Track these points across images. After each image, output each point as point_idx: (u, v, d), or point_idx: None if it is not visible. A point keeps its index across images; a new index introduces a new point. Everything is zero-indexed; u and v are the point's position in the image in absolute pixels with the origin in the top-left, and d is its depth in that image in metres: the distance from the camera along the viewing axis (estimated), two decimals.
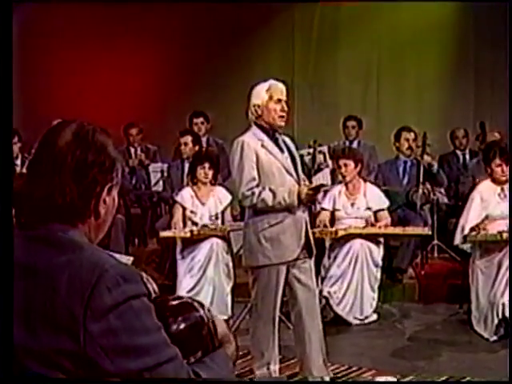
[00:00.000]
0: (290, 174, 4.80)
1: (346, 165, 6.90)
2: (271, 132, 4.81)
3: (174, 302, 1.84)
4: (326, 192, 7.09)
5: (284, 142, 4.89)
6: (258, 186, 4.71)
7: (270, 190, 4.69)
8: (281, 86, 4.85)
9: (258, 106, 4.78)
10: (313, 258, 4.92)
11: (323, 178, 4.79)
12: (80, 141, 1.71)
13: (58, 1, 10.23)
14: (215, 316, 1.88)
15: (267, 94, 4.77)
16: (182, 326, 1.77)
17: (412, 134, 8.02)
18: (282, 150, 4.83)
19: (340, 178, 7.15)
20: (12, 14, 2.00)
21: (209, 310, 1.86)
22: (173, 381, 1.65)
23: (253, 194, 4.70)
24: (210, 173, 6.97)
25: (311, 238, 4.89)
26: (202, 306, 1.85)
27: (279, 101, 4.77)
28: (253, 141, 4.76)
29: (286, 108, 4.79)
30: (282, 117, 4.78)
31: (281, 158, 4.78)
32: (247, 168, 4.71)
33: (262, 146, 4.75)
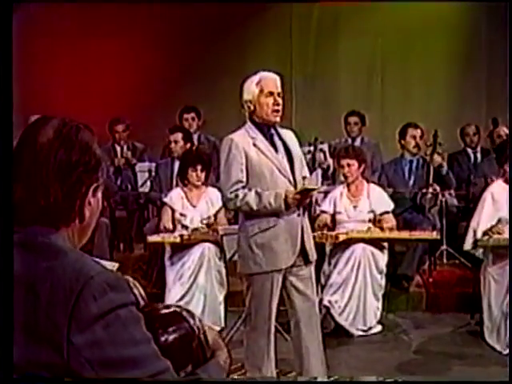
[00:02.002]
0: (284, 175, 4.77)
1: (349, 165, 6.88)
2: (266, 128, 4.80)
3: (163, 312, 1.84)
4: (326, 193, 7.09)
5: (281, 139, 4.87)
6: (243, 188, 4.70)
7: (256, 192, 4.67)
8: (272, 77, 4.83)
9: (250, 102, 4.77)
10: (312, 265, 4.91)
11: (316, 179, 4.77)
12: (63, 139, 1.71)
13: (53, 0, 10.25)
14: (205, 325, 1.89)
15: (257, 87, 4.75)
16: (171, 337, 1.77)
17: (419, 131, 7.99)
18: (276, 149, 4.81)
19: (342, 178, 7.14)
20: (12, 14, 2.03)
21: (200, 320, 1.86)
22: (172, 381, 1.66)
23: (236, 196, 4.68)
24: (203, 175, 6.97)
25: (308, 243, 4.86)
26: (193, 315, 1.85)
27: (271, 94, 4.75)
28: (243, 139, 4.74)
29: (279, 101, 4.76)
30: (276, 111, 4.76)
31: (274, 158, 4.76)
32: (233, 169, 4.71)
33: (254, 144, 4.74)
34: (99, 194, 1.78)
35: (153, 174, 8.35)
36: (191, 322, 1.82)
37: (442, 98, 10.35)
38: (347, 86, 10.67)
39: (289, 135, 4.95)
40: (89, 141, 1.75)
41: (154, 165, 8.46)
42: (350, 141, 8.86)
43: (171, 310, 1.86)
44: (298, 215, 4.79)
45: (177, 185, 7.37)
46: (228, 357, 1.89)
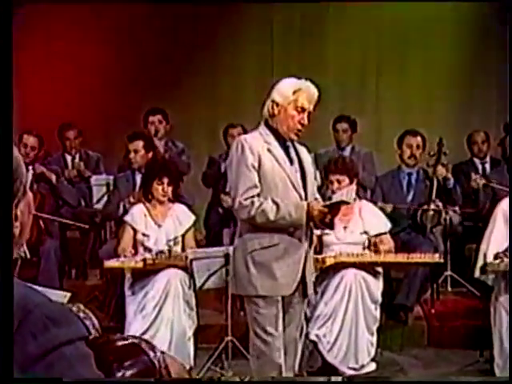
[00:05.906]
0: (297, 190, 4.86)
1: (338, 181, 6.85)
2: (282, 138, 4.90)
3: (119, 344, 1.85)
4: None
5: (296, 153, 4.96)
6: (258, 195, 4.77)
7: (273, 201, 4.74)
8: (314, 92, 4.91)
9: (277, 105, 4.88)
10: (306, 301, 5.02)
11: (346, 194, 4.80)
12: None
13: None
14: (168, 356, 1.90)
15: (294, 96, 4.85)
16: (128, 373, 1.77)
17: (418, 139, 8.00)
18: (291, 161, 4.90)
19: (330, 193, 7.11)
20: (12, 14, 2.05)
21: (162, 352, 1.87)
22: (173, 381, 1.70)
23: (252, 203, 4.76)
24: (170, 189, 6.91)
25: (309, 273, 4.96)
26: (153, 347, 1.86)
27: (302, 110, 4.84)
28: (257, 142, 4.84)
29: (306, 122, 4.87)
30: (299, 130, 4.87)
31: (288, 170, 4.86)
32: (248, 173, 4.78)
33: (268, 150, 4.84)
34: (21, 206, 1.72)
35: (111, 188, 8.29)
36: (151, 354, 1.82)
37: (446, 101, 10.41)
38: (336, 87, 10.68)
39: (304, 152, 5.07)
40: None
41: (112, 177, 8.40)
42: (338, 150, 8.80)
43: (129, 341, 1.86)
44: (306, 238, 4.88)
45: (139, 200, 7.30)
46: None
